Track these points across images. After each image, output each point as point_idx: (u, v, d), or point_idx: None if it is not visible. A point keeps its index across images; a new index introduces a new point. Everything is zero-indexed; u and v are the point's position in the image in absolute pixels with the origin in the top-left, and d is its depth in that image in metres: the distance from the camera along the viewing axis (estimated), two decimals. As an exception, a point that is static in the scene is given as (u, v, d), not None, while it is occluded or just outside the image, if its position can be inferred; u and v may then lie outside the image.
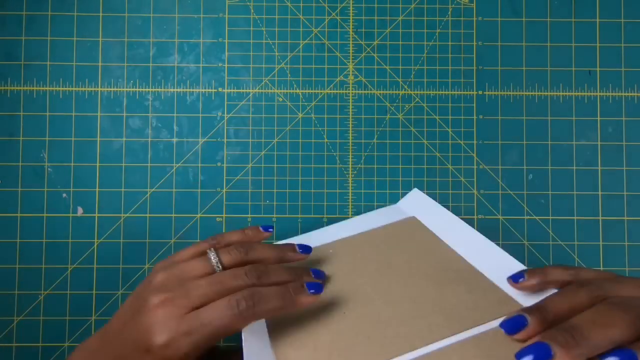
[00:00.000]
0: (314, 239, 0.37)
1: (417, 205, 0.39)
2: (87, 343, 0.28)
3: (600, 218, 0.41)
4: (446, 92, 0.42)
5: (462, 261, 0.32)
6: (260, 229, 0.31)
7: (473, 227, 0.41)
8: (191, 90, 0.42)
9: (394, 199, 0.41)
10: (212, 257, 0.27)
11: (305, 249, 0.31)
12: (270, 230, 0.32)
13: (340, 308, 0.28)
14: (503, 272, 0.29)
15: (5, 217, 0.40)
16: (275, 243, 0.34)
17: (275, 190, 0.41)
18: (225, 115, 0.42)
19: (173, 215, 0.41)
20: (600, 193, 0.41)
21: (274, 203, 0.41)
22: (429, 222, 0.37)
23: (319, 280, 0.29)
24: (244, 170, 0.41)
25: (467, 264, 0.32)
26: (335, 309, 0.28)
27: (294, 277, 0.28)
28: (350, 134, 0.42)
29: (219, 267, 0.27)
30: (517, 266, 0.29)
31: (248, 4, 0.42)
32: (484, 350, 0.24)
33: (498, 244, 0.40)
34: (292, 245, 0.30)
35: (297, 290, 0.26)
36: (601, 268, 0.41)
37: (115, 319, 0.27)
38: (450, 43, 0.42)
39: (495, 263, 0.31)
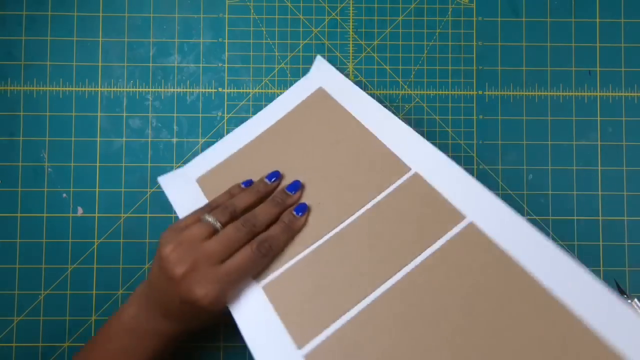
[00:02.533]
0: (243, 134, 0.39)
1: (324, 75, 0.40)
2: (132, 299, 0.33)
3: (600, 218, 0.41)
4: (446, 92, 0.42)
5: (362, 129, 0.35)
6: (267, 180, 0.35)
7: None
8: (191, 90, 0.42)
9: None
10: (211, 220, 0.30)
11: (274, 175, 0.35)
12: (275, 179, 0.35)
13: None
14: (393, 135, 0.34)
15: (5, 217, 0.40)
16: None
17: (275, 190, 0.41)
18: (225, 115, 0.42)
19: (173, 215, 0.41)
20: (600, 193, 0.41)
21: (274, 203, 0.41)
22: (334, 91, 0.38)
23: (297, 194, 0.34)
24: (244, 170, 0.41)
25: (366, 132, 0.35)
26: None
27: (280, 209, 0.33)
28: (350, 134, 0.42)
29: (218, 225, 0.30)
30: (410, 133, 0.34)
31: (248, 4, 0.42)
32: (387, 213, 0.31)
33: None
34: (262, 180, 0.35)
35: (291, 220, 0.32)
36: (601, 268, 0.41)
37: (152, 283, 0.31)
38: (450, 43, 0.42)
39: (389, 127, 0.35)
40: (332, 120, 0.37)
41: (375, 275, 0.29)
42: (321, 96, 0.39)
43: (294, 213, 0.32)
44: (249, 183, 0.35)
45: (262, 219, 0.32)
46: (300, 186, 0.34)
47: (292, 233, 0.32)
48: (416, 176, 0.32)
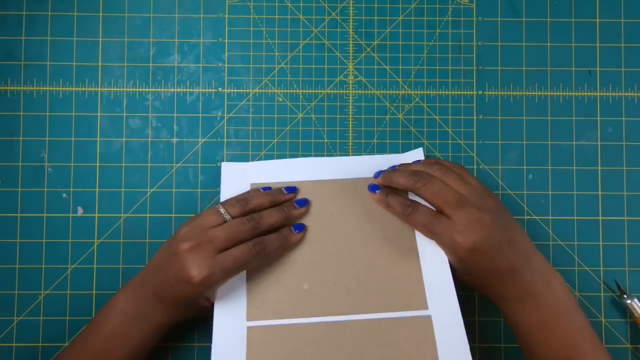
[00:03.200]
0: (312, 169, 0.40)
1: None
2: (128, 284, 0.35)
3: (600, 218, 0.41)
4: (446, 92, 0.42)
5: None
6: (284, 190, 0.38)
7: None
8: (191, 90, 0.42)
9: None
10: (222, 211, 0.34)
11: (291, 190, 0.38)
12: (290, 193, 0.38)
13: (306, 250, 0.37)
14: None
15: (5, 217, 0.40)
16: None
17: (275, 190, 0.41)
18: (225, 115, 0.42)
19: (173, 215, 0.41)
20: (600, 193, 0.41)
21: (274, 203, 0.41)
22: None
23: (302, 209, 0.37)
24: (244, 170, 0.41)
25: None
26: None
27: (284, 216, 0.36)
28: (350, 134, 0.42)
29: (228, 217, 0.34)
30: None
31: (248, 4, 0.42)
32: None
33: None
34: (280, 189, 0.38)
35: (287, 234, 0.36)
36: (601, 268, 0.41)
37: (152, 264, 0.35)
38: (450, 43, 0.42)
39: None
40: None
41: (342, 306, 0.35)
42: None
43: (292, 229, 0.36)
44: (267, 189, 0.38)
45: (266, 220, 0.35)
46: (307, 203, 0.38)
47: (286, 244, 0.35)
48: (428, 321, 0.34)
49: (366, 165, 0.39)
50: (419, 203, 0.35)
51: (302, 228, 0.37)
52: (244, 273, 0.35)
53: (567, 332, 0.32)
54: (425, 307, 0.34)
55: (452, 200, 0.33)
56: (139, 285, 0.34)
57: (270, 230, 0.35)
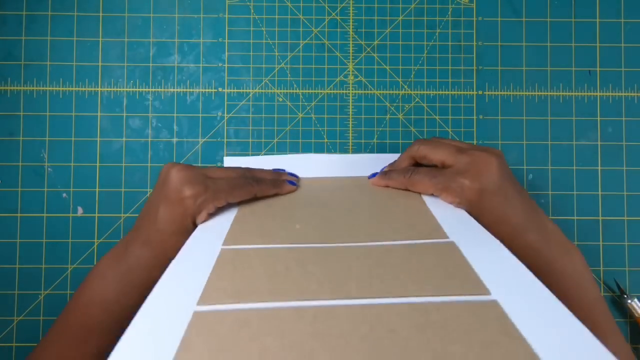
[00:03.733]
0: (314, 165, 0.40)
1: None
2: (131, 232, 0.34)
3: (600, 218, 0.41)
4: (446, 92, 0.42)
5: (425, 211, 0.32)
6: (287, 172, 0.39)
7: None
8: (191, 90, 0.42)
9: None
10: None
11: (294, 175, 0.39)
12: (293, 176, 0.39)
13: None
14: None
15: (5, 217, 0.40)
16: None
17: (275, 190, 0.41)
18: (225, 115, 0.42)
19: (173, 215, 0.41)
20: (600, 193, 0.41)
21: (274, 203, 0.41)
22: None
23: (294, 179, 0.38)
24: (244, 170, 0.41)
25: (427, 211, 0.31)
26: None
27: (276, 176, 0.36)
28: (350, 134, 0.42)
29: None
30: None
31: (248, 4, 0.42)
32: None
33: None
34: (283, 171, 0.39)
35: (280, 179, 0.36)
36: (601, 268, 0.41)
37: (142, 211, 0.34)
38: (450, 43, 0.42)
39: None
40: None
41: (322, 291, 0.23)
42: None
43: (286, 179, 0.37)
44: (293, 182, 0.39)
45: (260, 174, 0.36)
46: (296, 184, 0.38)
47: (276, 187, 0.35)
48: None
49: (367, 163, 0.39)
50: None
51: (294, 183, 0.37)
52: (233, 212, 0.32)
53: (582, 302, 0.31)
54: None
55: (453, 150, 0.32)
56: (129, 234, 0.33)
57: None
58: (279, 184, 0.36)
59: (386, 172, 0.36)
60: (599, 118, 0.42)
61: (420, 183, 0.32)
